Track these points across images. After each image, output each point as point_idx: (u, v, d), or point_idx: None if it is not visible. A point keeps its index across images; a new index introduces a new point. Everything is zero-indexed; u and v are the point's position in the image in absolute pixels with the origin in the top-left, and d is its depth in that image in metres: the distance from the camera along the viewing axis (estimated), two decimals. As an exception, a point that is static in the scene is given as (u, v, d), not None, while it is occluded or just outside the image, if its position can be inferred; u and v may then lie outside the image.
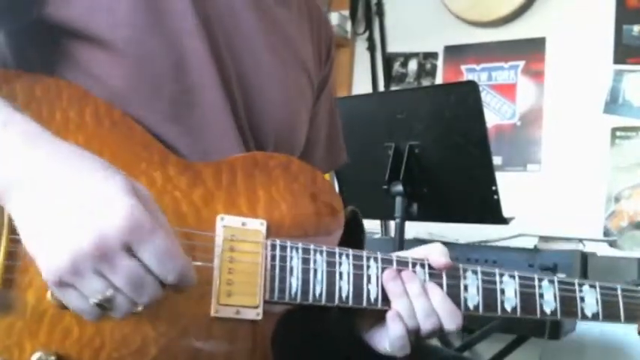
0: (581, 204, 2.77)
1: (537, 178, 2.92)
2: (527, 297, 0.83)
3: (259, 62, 0.88)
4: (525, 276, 0.84)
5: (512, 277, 0.83)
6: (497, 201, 1.79)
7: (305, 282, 0.75)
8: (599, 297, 0.87)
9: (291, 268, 0.75)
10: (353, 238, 0.85)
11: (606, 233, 2.73)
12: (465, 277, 0.81)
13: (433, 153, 1.81)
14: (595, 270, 1.82)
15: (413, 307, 0.77)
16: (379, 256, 0.79)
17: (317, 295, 0.75)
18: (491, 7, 3.00)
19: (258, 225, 0.76)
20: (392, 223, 2.47)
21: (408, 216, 1.84)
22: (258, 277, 0.74)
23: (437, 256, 0.80)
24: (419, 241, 2.07)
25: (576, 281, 0.86)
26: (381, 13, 3.21)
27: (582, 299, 0.86)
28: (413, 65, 3.24)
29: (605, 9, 2.80)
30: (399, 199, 1.81)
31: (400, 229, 1.82)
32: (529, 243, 1.98)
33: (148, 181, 0.73)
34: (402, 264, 0.79)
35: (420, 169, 1.81)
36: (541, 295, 0.83)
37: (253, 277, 0.74)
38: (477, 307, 0.81)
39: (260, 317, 0.74)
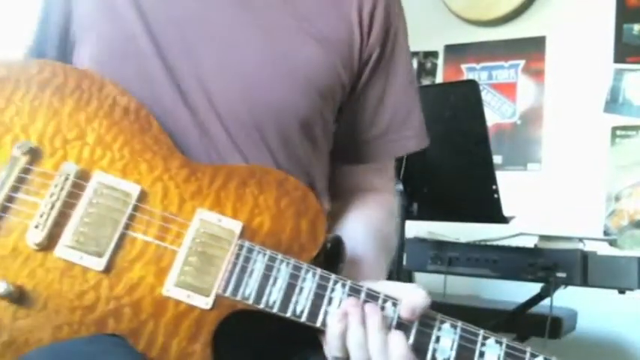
0: (581, 203, 2.77)
1: (537, 177, 2.92)
2: None
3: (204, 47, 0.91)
4: (515, 347, 0.75)
5: (500, 343, 0.74)
6: (498, 200, 1.79)
7: (261, 287, 0.78)
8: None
9: (252, 271, 0.78)
10: (329, 264, 0.85)
11: (606, 232, 2.73)
12: (440, 328, 0.75)
13: (433, 152, 1.81)
14: (595, 269, 1.82)
15: (367, 340, 0.74)
16: (349, 283, 0.77)
17: (270, 302, 0.77)
18: (492, 6, 3.00)
19: (233, 225, 0.81)
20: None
21: (408, 215, 1.84)
22: (218, 271, 0.79)
23: (405, 307, 0.75)
24: (419, 240, 2.07)
25: None
26: (381, 12, 3.20)
27: None
28: (413, 64, 3.24)
29: (606, 8, 2.80)
30: (399, 199, 1.81)
31: (400, 229, 1.82)
32: (529, 242, 1.98)
33: (148, 168, 0.83)
34: (371, 297, 0.77)
35: (420, 168, 1.81)
36: None
37: (214, 270, 0.79)
38: None
39: (208, 307, 0.77)
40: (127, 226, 0.80)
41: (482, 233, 2.16)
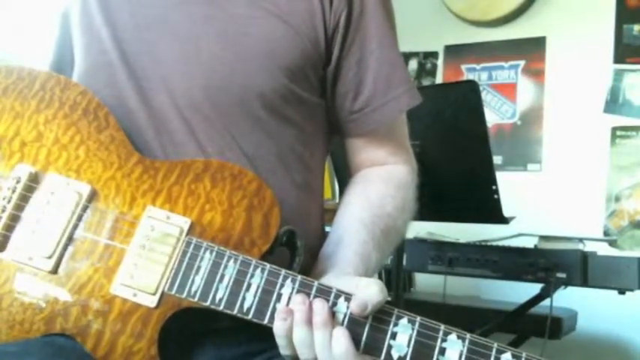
0: (581, 203, 2.77)
1: (537, 177, 2.92)
2: None
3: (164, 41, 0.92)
4: (480, 342, 0.70)
5: (462, 338, 0.70)
6: (498, 200, 1.79)
7: (208, 284, 0.77)
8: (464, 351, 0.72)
9: (199, 268, 0.78)
10: (290, 257, 0.83)
11: (606, 233, 2.73)
12: (396, 324, 0.72)
13: (433, 152, 1.81)
14: (595, 270, 1.82)
15: (312, 337, 0.72)
16: (299, 278, 0.75)
17: (217, 299, 0.76)
18: (492, 7, 3.00)
19: (181, 222, 0.80)
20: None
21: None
22: (164, 268, 0.78)
23: (356, 302, 0.71)
24: (419, 241, 2.07)
25: None
26: (381, 13, 3.20)
27: None
28: (413, 65, 3.25)
29: (606, 8, 2.80)
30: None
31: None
32: (529, 243, 1.98)
33: (102, 166, 0.84)
34: (323, 292, 0.74)
35: (420, 168, 1.80)
36: None
37: (160, 267, 0.79)
38: (402, 359, 0.71)
39: (154, 305, 0.77)
40: (75, 226, 0.81)
41: (482, 234, 2.16)
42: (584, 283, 1.82)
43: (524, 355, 0.69)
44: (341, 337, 0.71)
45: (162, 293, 0.78)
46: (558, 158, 2.89)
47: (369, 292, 0.72)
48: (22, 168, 0.83)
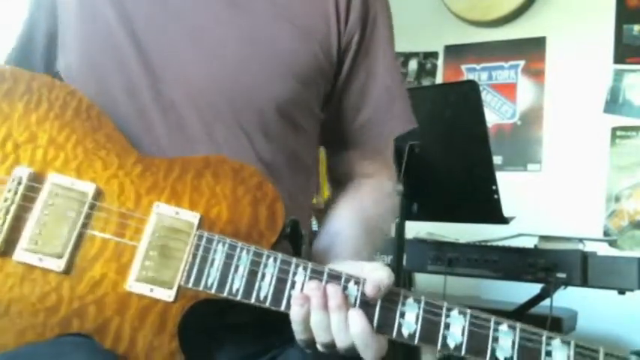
0: (581, 203, 2.77)
1: (537, 177, 2.92)
2: (478, 338, 0.75)
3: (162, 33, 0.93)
4: (480, 316, 0.75)
5: (464, 314, 0.75)
6: (498, 200, 1.79)
7: (223, 275, 0.78)
8: (571, 354, 0.77)
9: (213, 260, 0.79)
10: (291, 246, 0.86)
11: (606, 233, 2.73)
12: (404, 304, 0.76)
13: (433, 152, 1.81)
14: (595, 270, 1.82)
15: (329, 321, 0.75)
16: (310, 265, 0.78)
17: (234, 290, 0.78)
18: (492, 7, 3.00)
19: (191, 217, 0.82)
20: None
21: (409, 216, 1.84)
22: (179, 263, 0.79)
23: (370, 284, 0.75)
24: (419, 241, 2.07)
25: (545, 334, 0.75)
26: (381, 13, 3.21)
27: (549, 354, 0.75)
28: (413, 65, 3.25)
29: (606, 8, 2.80)
30: (399, 199, 1.81)
31: (400, 229, 1.82)
32: (529, 243, 1.98)
33: (103, 165, 0.84)
34: (334, 277, 0.78)
35: (420, 168, 1.80)
36: (495, 339, 0.75)
37: (175, 262, 0.79)
38: (412, 336, 0.75)
39: (171, 299, 0.78)
40: (84, 225, 0.80)
41: (482, 234, 2.16)
42: (584, 283, 1.82)
43: (518, 325, 0.75)
44: (357, 317, 0.75)
45: (179, 287, 0.79)
46: (558, 158, 2.89)
47: (380, 274, 0.76)
48: (21, 169, 0.82)
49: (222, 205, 0.83)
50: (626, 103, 2.77)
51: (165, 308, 0.78)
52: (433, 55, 3.20)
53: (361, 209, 1.00)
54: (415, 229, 2.06)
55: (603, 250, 2.10)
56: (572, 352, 0.76)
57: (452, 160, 1.85)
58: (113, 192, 0.82)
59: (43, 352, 0.74)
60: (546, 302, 1.91)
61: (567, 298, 2.04)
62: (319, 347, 0.77)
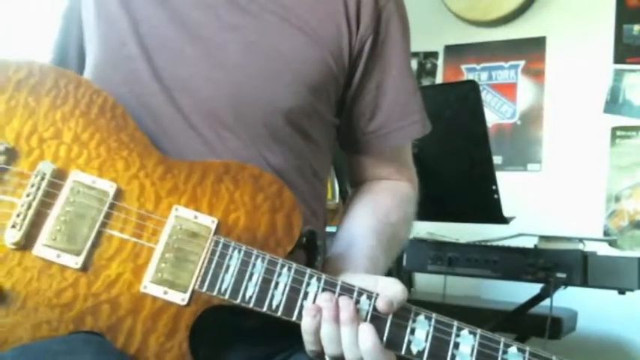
0: (581, 203, 2.77)
1: (537, 177, 2.92)
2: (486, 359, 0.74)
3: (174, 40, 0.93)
4: (489, 337, 0.75)
5: (473, 334, 0.75)
6: (498, 200, 1.79)
7: (237, 282, 0.79)
8: None
9: (228, 266, 0.79)
10: (308, 257, 0.86)
11: (606, 233, 2.73)
12: (414, 321, 0.76)
13: (433, 152, 1.81)
14: (595, 270, 1.82)
15: (339, 334, 0.75)
16: (324, 277, 0.78)
17: (247, 297, 0.78)
18: (492, 7, 3.00)
19: (209, 222, 0.82)
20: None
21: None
22: (194, 267, 0.80)
23: (382, 299, 0.75)
24: (419, 241, 2.07)
25: (554, 358, 0.75)
26: (381, 13, 3.21)
27: None
28: (413, 65, 3.24)
29: (606, 8, 2.80)
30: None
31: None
32: (529, 243, 1.98)
33: (125, 165, 0.84)
34: (346, 290, 0.77)
35: (420, 168, 1.80)
36: None
37: (190, 266, 0.80)
38: (420, 354, 0.75)
39: (185, 303, 0.79)
40: (103, 224, 0.81)
41: (482, 234, 2.16)
42: (584, 283, 1.82)
43: (528, 349, 0.75)
44: (368, 332, 0.75)
45: (193, 291, 0.79)
46: (558, 158, 2.89)
47: (394, 290, 0.76)
48: (45, 165, 0.82)
49: (241, 212, 0.83)
50: (626, 103, 2.77)
51: (179, 311, 0.79)
52: (433, 55, 3.20)
53: (378, 215, 0.98)
54: (415, 229, 2.06)
55: (603, 250, 2.10)
56: None
57: (452, 160, 1.85)
58: (133, 192, 0.83)
59: (54, 349, 0.74)
60: (546, 302, 1.91)
61: (567, 298, 2.04)
62: (328, 359, 0.77)
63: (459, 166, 1.83)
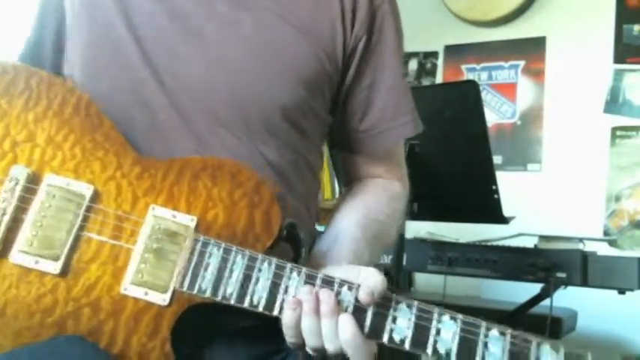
0: (581, 203, 2.77)
1: (537, 177, 2.92)
2: (468, 345, 0.75)
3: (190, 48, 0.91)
4: (470, 322, 0.76)
5: (455, 319, 0.76)
6: (498, 200, 1.79)
7: (218, 279, 0.78)
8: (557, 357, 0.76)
9: (208, 264, 0.79)
10: (292, 250, 0.86)
11: (606, 232, 2.73)
12: (396, 309, 0.76)
13: (433, 152, 1.81)
14: (595, 270, 1.82)
15: (319, 326, 0.76)
16: (304, 270, 0.78)
17: (227, 294, 0.78)
18: (492, 7, 3.00)
19: (187, 220, 0.81)
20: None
21: (408, 215, 1.84)
22: (174, 266, 0.79)
23: (364, 291, 0.75)
24: (419, 241, 2.07)
25: (534, 341, 0.75)
26: (381, 13, 3.21)
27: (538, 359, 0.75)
28: (413, 65, 3.24)
29: (606, 8, 2.80)
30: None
31: (400, 229, 1.82)
32: (529, 242, 1.98)
33: (101, 166, 0.83)
34: (327, 282, 0.78)
35: (420, 168, 1.80)
36: (485, 345, 0.75)
37: (169, 265, 0.79)
38: (402, 341, 0.75)
39: (166, 303, 0.78)
40: (81, 228, 0.80)
41: (482, 233, 2.16)
42: (584, 283, 1.82)
43: (509, 331, 0.76)
44: (347, 323, 0.75)
45: (174, 291, 0.79)
46: (558, 158, 2.89)
47: (374, 280, 0.76)
48: (18, 169, 0.81)
49: (219, 208, 0.82)
50: (626, 103, 2.77)
51: (160, 312, 0.78)
52: (433, 54, 3.20)
53: (365, 211, 0.99)
54: (415, 229, 2.06)
55: (603, 250, 2.10)
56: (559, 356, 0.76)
57: (452, 160, 1.85)
58: (110, 194, 0.82)
59: (39, 351, 0.75)
60: (546, 302, 1.91)
61: (567, 298, 2.04)
62: (309, 350, 0.77)
63: (459, 166, 1.84)
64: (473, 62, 3.10)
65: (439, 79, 3.18)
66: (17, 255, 0.78)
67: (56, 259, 0.78)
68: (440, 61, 3.19)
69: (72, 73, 0.95)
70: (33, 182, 0.81)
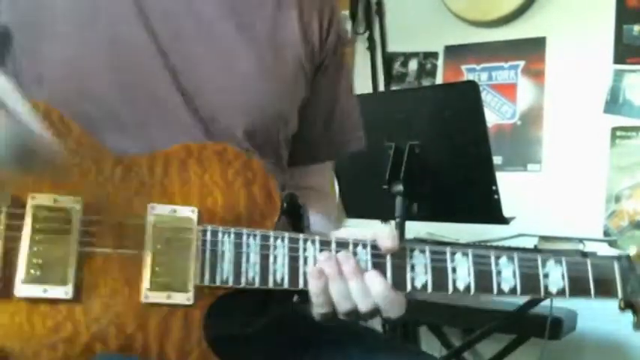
0: (581, 204, 2.77)
1: (537, 177, 2.92)
2: (483, 275, 0.81)
3: (204, 50, 0.90)
4: (480, 254, 0.81)
5: (466, 255, 0.81)
6: (498, 201, 1.79)
7: (237, 266, 0.77)
8: (565, 272, 0.88)
9: (223, 253, 0.77)
10: (293, 221, 0.85)
11: (606, 233, 2.72)
12: (411, 257, 0.80)
13: (433, 153, 1.81)
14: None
15: (348, 288, 0.77)
16: (317, 238, 0.79)
17: (250, 278, 0.77)
18: (492, 7, 3.00)
19: (188, 212, 0.78)
20: (392, 223, 2.47)
21: (409, 216, 1.84)
22: (189, 263, 0.76)
23: (384, 239, 0.78)
24: (419, 241, 2.07)
25: (539, 257, 0.84)
26: (381, 13, 3.21)
27: (547, 275, 0.84)
28: (413, 65, 3.24)
29: (606, 9, 2.80)
30: (399, 199, 1.81)
31: (400, 229, 1.82)
32: (529, 243, 1.98)
33: (81, 173, 0.76)
34: (342, 245, 0.79)
35: (421, 168, 1.81)
36: (499, 273, 0.81)
37: (185, 262, 0.76)
38: (425, 286, 0.79)
39: (191, 302, 0.75)
40: (81, 244, 0.74)
41: (482, 234, 2.15)
42: (584, 283, 1.82)
43: (515, 255, 0.82)
44: (375, 277, 0.77)
45: (196, 287, 0.76)
46: (558, 158, 2.89)
47: (386, 232, 0.79)
48: None
49: (217, 193, 0.80)
50: (626, 103, 2.77)
51: (187, 312, 0.75)
52: (433, 55, 3.20)
53: (327, 218, 1.03)
54: (415, 229, 2.06)
55: (603, 250, 2.10)
56: (564, 269, 0.88)
57: (452, 160, 1.85)
58: (100, 202, 0.75)
59: None
60: (546, 302, 1.91)
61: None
62: (341, 317, 0.78)
63: (459, 166, 1.84)
64: (473, 63, 3.10)
65: (439, 79, 3.18)
66: (22, 287, 0.71)
67: (65, 282, 0.72)
68: (440, 62, 3.19)
69: (41, 71, 0.86)
70: (17, 207, 0.73)
